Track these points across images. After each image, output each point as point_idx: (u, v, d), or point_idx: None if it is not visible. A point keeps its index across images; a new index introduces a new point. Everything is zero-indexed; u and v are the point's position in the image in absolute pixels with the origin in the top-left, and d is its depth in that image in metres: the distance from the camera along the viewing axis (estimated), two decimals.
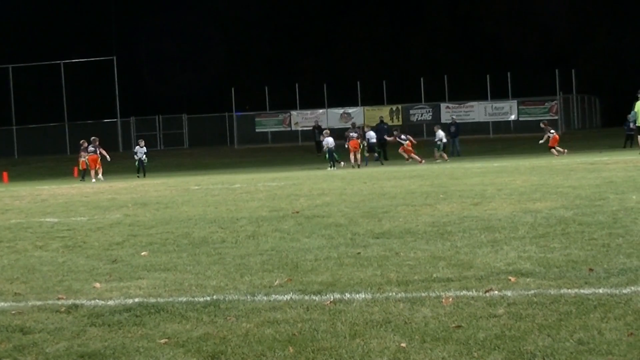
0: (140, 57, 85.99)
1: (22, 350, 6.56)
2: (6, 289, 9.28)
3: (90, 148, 41.68)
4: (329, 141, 42.75)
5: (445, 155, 45.44)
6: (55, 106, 73.41)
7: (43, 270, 10.55)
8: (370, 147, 46.47)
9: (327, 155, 42.95)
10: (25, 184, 40.19)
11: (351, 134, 43.93)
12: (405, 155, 44.16)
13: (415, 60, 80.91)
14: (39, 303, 8.37)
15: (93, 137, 42.74)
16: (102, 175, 41.33)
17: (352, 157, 42.56)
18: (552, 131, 41.96)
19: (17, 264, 11.28)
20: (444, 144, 46.75)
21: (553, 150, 40.58)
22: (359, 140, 43.56)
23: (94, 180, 39.93)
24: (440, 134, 46.67)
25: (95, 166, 41.28)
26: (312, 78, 75.45)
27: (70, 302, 8.34)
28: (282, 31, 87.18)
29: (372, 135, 47.17)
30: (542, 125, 43.30)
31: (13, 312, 7.97)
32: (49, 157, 66.06)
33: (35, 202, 24.35)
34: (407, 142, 44.31)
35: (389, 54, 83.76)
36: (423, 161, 42.50)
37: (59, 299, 8.57)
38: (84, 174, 41.32)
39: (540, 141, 42.14)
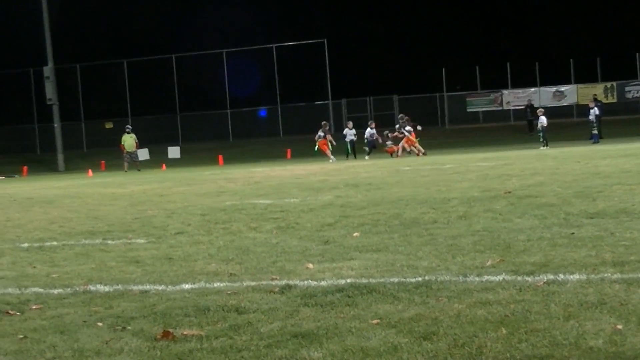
0: (351, 39, 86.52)
1: (237, 329, 6.69)
2: (222, 270, 9.49)
3: (320, 133, 43.37)
4: (543, 120, 42.28)
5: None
6: (268, 89, 74.79)
7: (257, 251, 10.74)
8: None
9: (540, 134, 42.22)
10: (239, 166, 41.19)
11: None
12: (408, 148, 43.42)
13: (630, 35, 78.20)
14: (253, 283, 8.52)
15: (324, 122, 44.57)
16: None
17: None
18: None
19: (232, 245, 11.53)
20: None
21: None
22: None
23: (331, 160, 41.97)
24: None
25: (326, 149, 43.22)
26: (523, 56, 74.06)
27: (283, 282, 8.46)
28: (491, 9, 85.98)
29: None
30: None
31: (228, 292, 8.13)
32: (261, 140, 67.44)
33: (248, 184, 24.90)
34: (412, 133, 43.65)
35: (603, 28, 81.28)
36: (422, 153, 42.29)
37: (272, 279, 8.70)
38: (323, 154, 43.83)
39: None
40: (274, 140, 67.10)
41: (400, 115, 47.01)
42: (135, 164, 47.61)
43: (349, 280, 8.34)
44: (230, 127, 73.76)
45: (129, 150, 48.24)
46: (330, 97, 73.91)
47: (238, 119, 74.13)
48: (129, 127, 50.38)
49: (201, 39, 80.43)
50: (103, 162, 52.16)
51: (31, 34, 61.08)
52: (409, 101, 73.90)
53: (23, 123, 74.12)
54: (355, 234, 11.74)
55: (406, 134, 43.58)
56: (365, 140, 45.93)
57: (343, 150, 45.63)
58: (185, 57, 76.88)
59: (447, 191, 17.88)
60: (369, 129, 46.27)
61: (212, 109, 73.95)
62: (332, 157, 43.84)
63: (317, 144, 45.25)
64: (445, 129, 69.47)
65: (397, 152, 43.51)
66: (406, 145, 43.63)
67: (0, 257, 11.51)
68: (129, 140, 48.43)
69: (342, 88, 74.29)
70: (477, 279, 8.08)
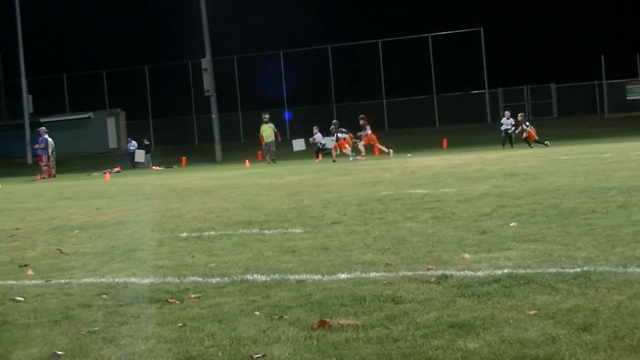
0: (507, 27, 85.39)
1: (393, 319, 6.68)
2: (378, 260, 9.50)
3: (339, 135, 43.76)
4: None
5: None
6: (424, 79, 74.57)
7: (413, 241, 10.71)
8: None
9: None
10: (395, 156, 41.18)
11: None
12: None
13: None
14: (409, 273, 8.49)
15: (334, 121, 45.48)
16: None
17: None
18: None
19: (388, 234, 11.52)
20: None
21: None
22: None
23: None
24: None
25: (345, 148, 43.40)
26: None
27: (439, 272, 8.41)
28: None
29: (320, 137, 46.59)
30: None
31: (384, 282, 8.13)
32: (417, 130, 67.26)
33: (404, 174, 24.87)
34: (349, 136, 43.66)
35: None
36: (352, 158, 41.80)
37: (428, 269, 8.66)
38: None
39: None
40: (430, 130, 66.85)
41: (334, 121, 46.71)
42: (271, 155, 47.08)
43: (505, 271, 8.23)
44: (386, 117, 73.80)
45: (267, 141, 47.41)
46: (486, 87, 73.22)
47: (394, 109, 74.13)
48: (267, 116, 49.00)
49: (356, 29, 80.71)
50: (260, 152, 52.89)
51: (189, 26, 62.36)
52: (567, 89, 72.64)
53: (182, 115, 75.88)
54: (512, 224, 11.59)
55: (341, 137, 43.97)
56: (319, 145, 46.65)
57: (499, 140, 45.16)
58: (340, 48, 77.31)
59: (606, 180, 17.50)
60: (319, 134, 47.07)
61: (367, 99, 74.13)
62: (351, 155, 43.43)
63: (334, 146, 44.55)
64: (605, 118, 67.90)
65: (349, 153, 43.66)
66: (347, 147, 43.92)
67: (160, 247, 11.80)
68: (267, 131, 47.38)
69: (499, 77, 73.47)
70: (637, 270, 7.88)
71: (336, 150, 43.56)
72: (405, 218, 13.30)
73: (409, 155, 42.07)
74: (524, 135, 43.43)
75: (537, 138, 43.14)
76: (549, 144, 41.72)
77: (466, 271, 8.39)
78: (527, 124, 43.98)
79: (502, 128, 45.24)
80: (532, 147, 41.60)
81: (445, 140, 51.59)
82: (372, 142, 44.53)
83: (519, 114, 45.90)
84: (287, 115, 74.87)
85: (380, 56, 75.45)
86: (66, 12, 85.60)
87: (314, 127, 48.24)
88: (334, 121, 46.41)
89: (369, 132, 44.62)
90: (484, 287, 7.57)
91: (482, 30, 72.64)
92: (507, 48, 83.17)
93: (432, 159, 35.18)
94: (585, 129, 57.86)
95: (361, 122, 45.19)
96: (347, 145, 43.73)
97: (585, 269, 8.05)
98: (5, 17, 74.34)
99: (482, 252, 9.53)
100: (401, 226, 12.33)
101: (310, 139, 47.70)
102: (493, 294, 7.32)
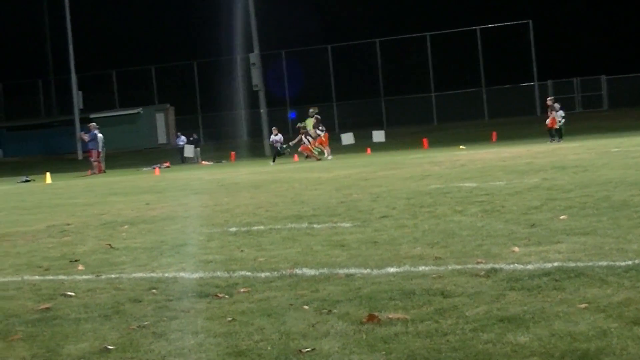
0: (556, 19, 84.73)
1: (442, 313, 6.66)
2: (427, 253, 9.47)
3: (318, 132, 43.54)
4: None
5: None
6: (472, 72, 74.22)
7: (462, 235, 10.67)
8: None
9: None
10: (443, 150, 41.07)
11: None
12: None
13: None
14: (458, 267, 8.46)
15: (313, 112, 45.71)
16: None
17: None
18: None
19: (437, 228, 11.49)
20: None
21: None
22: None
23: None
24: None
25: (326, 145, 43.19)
26: None
27: (489, 266, 8.37)
28: None
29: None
30: None
31: (433, 275, 8.10)
32: (466, 123, 67.00)
33: (453, 167, 24.80)
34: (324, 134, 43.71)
35: None
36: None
37: (478, 262, 8.62)
38: None
39: None
40: (479, 123, 66.55)
41: (316, 116, 46.46)
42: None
43: (555, 264, 8.17)
44: (434, 111, 73.60)
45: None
46: (536, 79, 72.72)
47: (442, 102, 73.88)
48: (312, 110, 48.92)
49: (405, 22, 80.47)
50: (303, 146, 52.92)
51: (238, 21, 62.55)
52: (618, 81, 71.88)
53: (231, 109, 76.14)
54: (562, 217, 11.51)
55: (320, 133, 44.06)
56: (278, 146, 46.64)
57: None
58: (388, 41, 77.10)
59: None
60: (273, 136, 47.45)
61: (416, 93, 73.94)
62: (329, 154, 43.54)
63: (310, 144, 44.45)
64: None
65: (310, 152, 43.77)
66: (317, 146, 43.93)
67: (209, 241, 11.85)
68: (311, 125, 47.09)
69: (548, 69, 72.91)
70: None
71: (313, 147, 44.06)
72: (454, 211, 13.25)
73: (462, 147, 41.93)
74: (548, 122, 42.96)
75: (557, 127, 42.57)
76: (558, 140, 41.31)
77: (516, 264, 8.34)
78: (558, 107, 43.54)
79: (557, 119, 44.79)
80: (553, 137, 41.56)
81: (494, 133, 51.35)
82: (322, 144, 44.70)
83: (548, 98, 45.68)
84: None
85: (429, 50, 75.19)
86: (115, 8, 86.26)
87: (273, 128, 48.94)
88: (317, 116, 46.61)
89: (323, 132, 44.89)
90: (534, 281, 7.52)
91: (531, 23, 72.14)
92: (557, 40, 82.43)
93: (481, 152, 35.03)
94: (637, 121, 57.28)
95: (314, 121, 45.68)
96: (317, 144, 44.22)
97: (636, 262, 7.97)
98: (55, 14, 75.13)
99: (532, 245, 9.47)
100: (450, 220, 12.29)
101: (269, 140, 47.84)
102: (543, 287, 7.27)
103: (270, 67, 74.20)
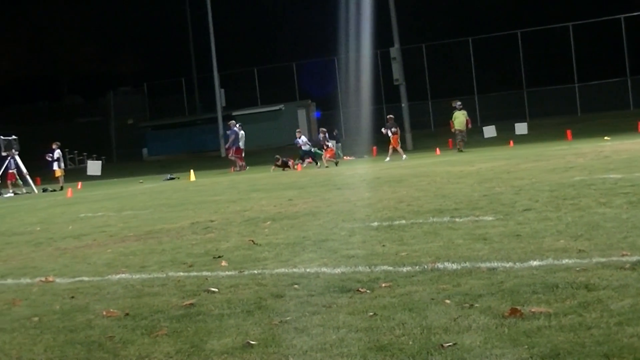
0: None
1: (586, 306, 6.55)
2: (570, 246, 9.33)
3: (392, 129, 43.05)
4: None
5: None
6: (616, 62, 72.53)
7: (606, 227, 10.47)
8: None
9: None
10: (587, 141, 40.31)
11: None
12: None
13: None
14: (602, 260, 8.31)
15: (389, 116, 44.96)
16: None
17: None
18: None
19: (581, 220, 11.30)
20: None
21: None
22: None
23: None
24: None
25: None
26: None
27: (634, 258, 8.19)
28: None
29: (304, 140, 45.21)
30: None
31: (577, 268, 7.98)
32: (610, 114, 65.57)
33: (597, 159, 24.33)
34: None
35: None
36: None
37: (623, 255, 8.45)
38: None
39: None
40: (624, 114, 65.01)
41: (323, 129, 46.61)
42: (462, 144, 46.44)
43: None
44: (578, 102, 72.26)
45: (459, 128, 46.82)
46: None
47: (586, 93, 72.45)
48: (460, 103, 48.44)
49: (546, 13, 79.24)
50: (450, 140, 52.61)
51: (377, 16, 62.59)
52: None
53: (372, 104, 76.14)
54: None
55: (330, 146, 44.63)
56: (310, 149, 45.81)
57: None
58: (530, 32, 76.02)
59: None
60: (303, 137, 46.26)
61: (559, 84, 72.69)
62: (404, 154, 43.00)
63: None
64: None
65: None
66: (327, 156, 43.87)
67: (351, 236, 11.91)
68: (460, 118, 46.96)
69: None
70: None
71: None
72: (598, 203, 13.01)
73: (607, 138, 41.09)
74: None
75: None
76: None
77: None
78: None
79: None
80: None
81: (639, 124, 50.15)
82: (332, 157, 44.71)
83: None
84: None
85: (572, 40, 73.83)
86: (255, 6, 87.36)
87: (297, 131, 48.47)
88: (323, 129, 46.88)
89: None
90: None
91: None
92: None
93: (626, 142, 34.24)
94: None
95: (321, 135, 46.08)
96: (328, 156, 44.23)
97: None
98: (197, 14, 76.50)
99: None
100: (594, 212, 12.07)
101: (295, 140, 47.14)
102: None
103: (408, 61, 74.02)
